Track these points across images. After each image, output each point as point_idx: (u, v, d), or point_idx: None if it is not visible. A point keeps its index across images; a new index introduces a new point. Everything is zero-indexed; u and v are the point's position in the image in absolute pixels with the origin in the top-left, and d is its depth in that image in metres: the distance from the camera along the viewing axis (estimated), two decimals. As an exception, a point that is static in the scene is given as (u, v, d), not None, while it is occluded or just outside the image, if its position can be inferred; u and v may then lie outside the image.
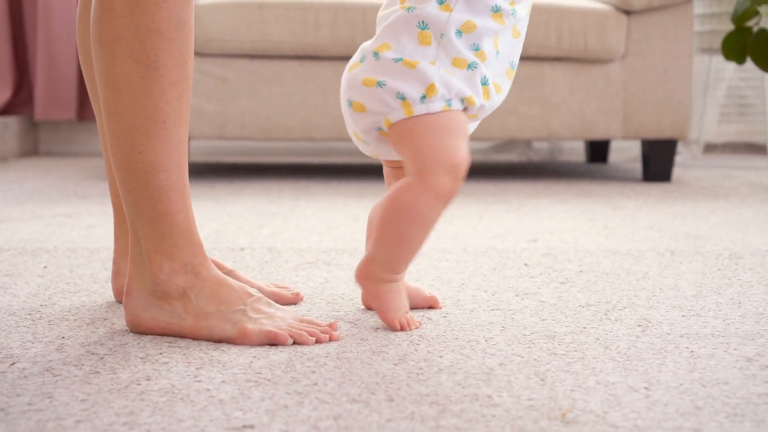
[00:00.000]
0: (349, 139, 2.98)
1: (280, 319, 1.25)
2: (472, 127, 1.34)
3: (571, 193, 2.79)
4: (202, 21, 2.89)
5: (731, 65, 3.91)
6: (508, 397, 1.03)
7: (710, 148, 4.09)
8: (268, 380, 1.08)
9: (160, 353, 1.19)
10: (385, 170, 1.40)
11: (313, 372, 1.11)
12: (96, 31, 1.23)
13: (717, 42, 3.38)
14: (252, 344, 1.22)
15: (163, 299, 1.25)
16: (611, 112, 3.03)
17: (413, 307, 1.41)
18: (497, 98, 1.30)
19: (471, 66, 1.26)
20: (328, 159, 3.84)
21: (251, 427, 0.94)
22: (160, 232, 1.25)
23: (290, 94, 2.95)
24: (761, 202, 2.58)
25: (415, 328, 1.30)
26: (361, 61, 1.28)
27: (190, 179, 3.02)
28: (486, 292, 1.53)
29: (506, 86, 1.31)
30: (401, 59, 1.25)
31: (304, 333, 1.23)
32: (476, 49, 1.26)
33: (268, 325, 1.23)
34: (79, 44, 1.44)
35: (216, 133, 2.95)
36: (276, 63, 2.95)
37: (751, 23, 3.23)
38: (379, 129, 1.28)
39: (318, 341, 1.23)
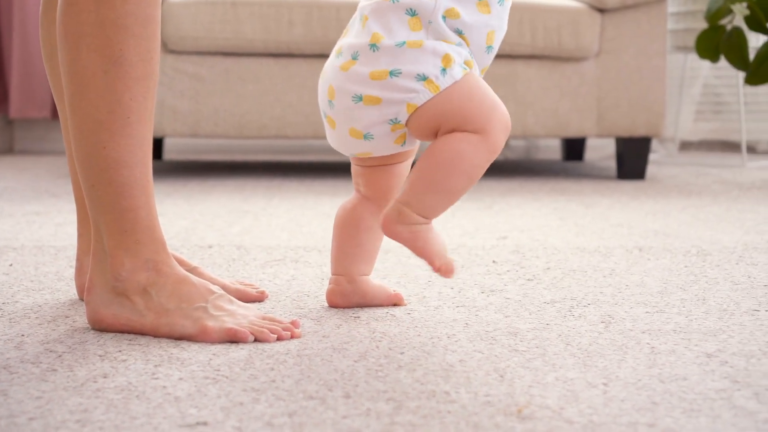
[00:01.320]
0: (324, 137, 2.98)
1: (242, 316, 1.24)
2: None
3: (544, 190, 2.79)
4: (176, 18, 2.88)
5: (707, 63, 3.92)
6: (465, 394, 1.03)
7: (686, 145, 4.10)
8: (226, 377, 1.08)
9: (120, 351, 1.18)
10: (354, 169, 1.38)
11: (272, 369, 1.11)
12: (61, 26, 1.22)
13: (692, 40, 3.39)
14: (213, 341, 1.21)
15: (124, 296, 1.25)
16: (585, 110, 3.03)
17: (377, 305, 1.41)
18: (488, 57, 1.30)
19: (458, 44, 1.26)
20: (302, 157, 3.83)
21: (205, 424, 0.93)
22: (122, 228, 1.25)
23: (264, 91, 2.94)
24: (733, 200, 2.59)
25: (451, 272, 1.26)
26: (354, 57, 1.26)
27: (163, 177, 3.01)
28: (452, 289, 1.53)
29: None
30: (404, 42, 1.24)
31: (266, 330, 1.22)
32: (459, 32, 1.26)
33: (229, 323, 1.22)
34: (42, 40, 1.43)
35: (190, 131, 2.94)
36: (250, 61, 2.94)
37: (724, 21, 3.24)
38: (393, 122, 1.26)
39: (279, 338, 1.23)
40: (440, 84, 1.23)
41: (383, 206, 1.37)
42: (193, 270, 1.45)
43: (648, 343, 1.22)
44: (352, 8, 2.91)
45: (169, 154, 3.85)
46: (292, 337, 1.24)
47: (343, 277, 1.38)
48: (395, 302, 1.42)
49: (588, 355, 1.17)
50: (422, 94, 1.23)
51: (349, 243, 1.38)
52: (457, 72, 1.24)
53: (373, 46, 1.24)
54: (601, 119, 3.05)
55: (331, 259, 1.40)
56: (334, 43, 2.92)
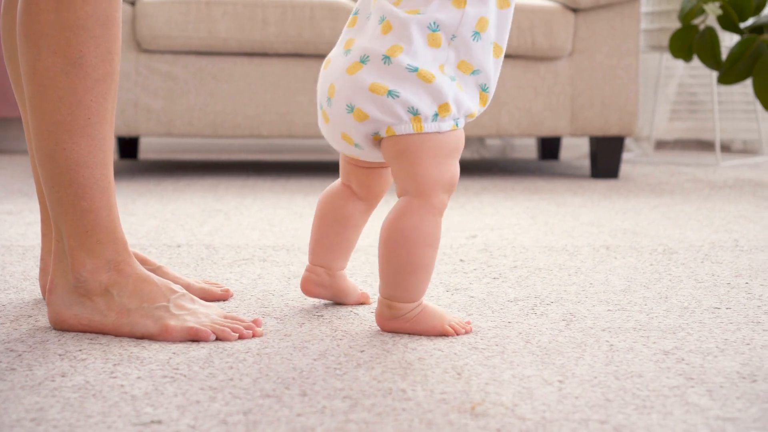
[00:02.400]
0: (298, 136, 2.98)
1: (203, 315, 1.25)
2: None
3: (518, 189, 2.80)
4: (150, 18, 2.88)
5: (682, 63, 3.94)
6: (421, 391, 1.04)
7: (661, 145, 4.12)
8: (184, 376, 1.08)
9: (80, 350, 1.18)
10: (346, 166, 1.36)
11: (231, 368, 1.11)
12: (21, 27, 1.22)
13: (666, 40, 3.41)
14: (174, 340, 1.22)
15: (86, 296, 1.25)
16: (559, 109, 3.04)
17: (346, 302, 1.41)
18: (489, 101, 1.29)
19: (475, 72, 1.24)
20: (276, 156, 3.83)
21: (159, 422, 0.94)
22: (82, 229, 1.25)
23: (238, 91, 2.94)
24: (704, 199, 2.60)
25: (470, 330, 1.27)
26: (363, 61, 1.23)
27: (137, 176, 3.01)
28: (417, 287, 1.53)
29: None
30: (417, 69, 1.20)
31: (227, 329, 1.23)
32: (490, 43, 1.24)
33: (191, 322, 1.23)
34: (3, 41, 1.43)
35: (164, 130, 2.94)
36: (224, 60, 2.94)
37: (697, 21, 3.25)
38: (375, 134, 1.24)
39: (241, 337, 1.23)
40: (425, 127, 1.22)
41: (374, 205, 1.38)
42: (156, 269, 1.45)
43: (607, 341, 1.23)
44: (327, 8, 2.92)
45: (145, 153, 3.84)
46: (253, 335, 1.24)
47: (323, 269, 1.38)
48: (362, 301, 1.42)
49: (546, 352, 1.18)
50: (405, 126, 1.22)
51: (335, 239, 1.38)
52: (446, 125, 1.22)
53: (387, 59, 1.21)
54: (574, 118, 3.06)
55: (310, 248, 1.39)
56: (308, 43, 2.92)
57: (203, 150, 3.98)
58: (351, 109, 1.23)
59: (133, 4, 2.91)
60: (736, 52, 3.17)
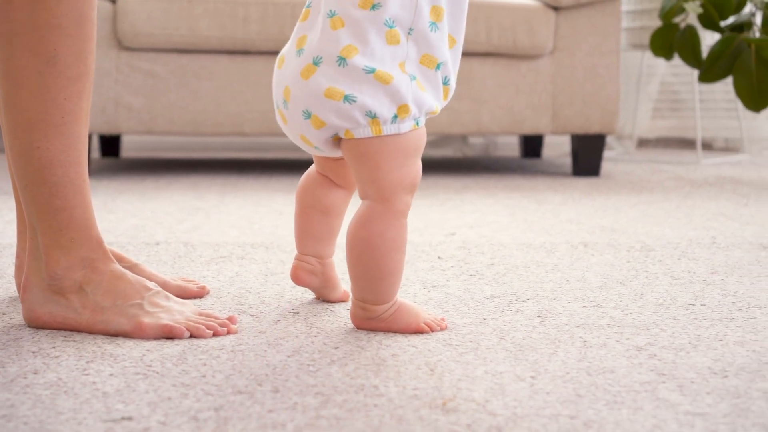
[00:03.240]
0: (280, 134, 2.98)
1: (178, 312, 1.25)
2: None
3: (499, 187, 2.81)
4: (131, 15, 2.87)
5: (663, 61, 3.95)
6: (394, 387, 1.04)
7: (643, 143, 4.13)
8: (157, 373, 1.08)
9: (53, 347, 1.18)
10: (317, 158, 1.35)
11: (204, 365, 1.11)
12: None
13: (648, 38, 3.42)
14: (148, 338, 1.22)
15: (60, 294, 1.25)
16: (540, 107, 3.05)
17: (329, 296, 1.41)
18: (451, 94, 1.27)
19: (438, 66, 1.21)
20: (258, 154, 3.83)
21: (129, 419, 0.94)
22: (56, 227, 1.25)
23: (220, 88, 2.94)
24: (684, 197, 2.61)
25: (445, 327, 1.27)
26: (316, 63, 1.19)
27: (119, 175, 3.00)
28: (394, 284, 1.54)
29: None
30: (374, 70, 1.17)
31: (202, 326, 1.23)
32: (456, 32, 1.22)
33: (165, 319, 1.23)
34: None
35: (144, 129, 2.93)
36: (205, 57, 2.94)
37: (678, 20, 3.27)
38: (334, 135, 1.22)
39: (216, 334, 1.23)
40: (384, 129, 1.19)
41: (352, 191, 1.37)
42: (133, 266, 1.45)
43: (581, 337, 1.24)
44: (308, 5, 2.91)
45: (127, 151, 3.84)
46: (228, 332, 1.24)
47: (315, 258, 1.38)
48: (344, 299, 1.42)
49: (520, 349, 1.19)
50: (363, 129, 1.19)
51: (321, 228, 1.37)
52: (406, 126, 1.20)
53: (342, 60, 1.18)
54: (556, 116, 3.07)
55: (297, 238, 1.38)
56: (285, 42, 2.92)
57: (185, 148, 3.98)
58: (308, 115, 1.21)
59: (113, 1, 2.90)
60: (717, 50, 3.19)
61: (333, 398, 1.00)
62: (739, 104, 3.64)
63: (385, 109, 1.18)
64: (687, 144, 4.12)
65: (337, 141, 1.23)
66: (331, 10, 1.20)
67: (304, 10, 1.25)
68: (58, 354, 1.15)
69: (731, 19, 3.27)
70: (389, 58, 1.19)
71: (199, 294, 1.45)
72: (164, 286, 1.44)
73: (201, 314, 1.26)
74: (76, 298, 1.24)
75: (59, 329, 1.25)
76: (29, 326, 1.27)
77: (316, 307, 1.39)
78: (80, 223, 1.25)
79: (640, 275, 1.61)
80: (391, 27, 1.19)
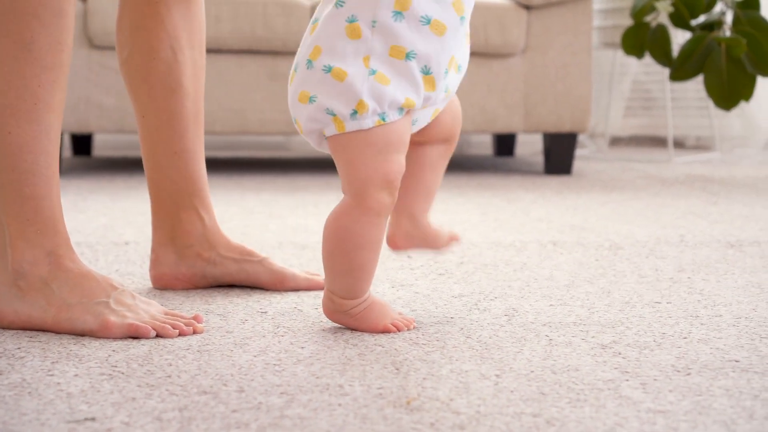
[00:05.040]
0: (252, 133, 2.98)
1: (143, 311, 1.25)
2: (435, 107, 1.24)
3: (471, 186, 2.81)
4: (102, 14, 2.86)
5: (635, 60, 3.97)
6: (359, 387, 1.04)
7: (616, 141, 4.15)
8: (122, 373, 1.08)
9: (18, 348, 1.18)
10: None
11: (170, 365, 1.11)
12: None
13: (619, 37, 3.44)
14: (114, 337, 1.21)
15: (26, 291, 1.24)
16: (513, 106, 3.06)
17: (438, 248, 1.35)
18: (454, 78, 1.22)
19: (409, 56, 1.18)
20: (229, 153, 3.82)
21: (93, 419, 0.94)
22: (23, 217, 1.25)
23: (191, 87, 2.93)
24: (654, 195, 2.63)
25: (413, 327, 1.26)
26: (295, 70, 1.21)
27: (90, 174, 2.99)
28: (363, 283, 1.54)
29: (466, 58, 1.24)
30: (330, 68, 1.17)
31: (168, 325, 1.23)
32: (427, 22, 1.18)
33: (131, 318, 1.23)
34: None
35: (116, 127, 2.93)
36: (177, 56, 2.93)
37: (649, 18, 3.28)
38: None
39: (181, 333, 1.23)
40: (346, 126, 1.19)
41: (452, 145, 1.31)
42: (262, 261, 1.49)
43: (547, 335, 1.24)
44: (279, 4, 2.91)
45: (100, 150, 3.82)
46: (194, 332, 1.24)
47: (404, 217, 1.31)
48: (454, 239, 1.36)
49: (486, 347, 1.19)
50: (330, 127, 1.20)
51: (411, 179, 1.28)
52: (368, 122, 1.18)
53: (309, 62, 1.19)
54: (528, 115, 3.08)
55: None
56: (261, 39, 2.92)
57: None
58: (295, 121, 1.24)
59: (84, 0, 2.89)
60: (687, 49, 3.21)
61: (298, 398, 1.00)
62: (711, 103, 3.66)
63: (342, 106, 1.18)
64: (659, 142, 4.14)
65: None
66: (315, 18, 1.22)
67: (311, 25, 1.23)
68: (23, 355, 1.15)
69: (702, 18, 3.30)
70: (351, 53, 1.18)
71: (322, 286, 1.48)
72: (294, 278, 1.48)
73: (167, 313, 1.26)
74: (41, 295, 1.24)
75: (24, 328, 1.25)
76: None
77: (283, 307, 1.39)
78: (47, 215, 1.26)
79: (608, 273, 1.62)
80: (351, 21, 1.18)
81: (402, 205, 1.30)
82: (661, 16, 3.29)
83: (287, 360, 1.14)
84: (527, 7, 3.05)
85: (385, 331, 1.25)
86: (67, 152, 3.64)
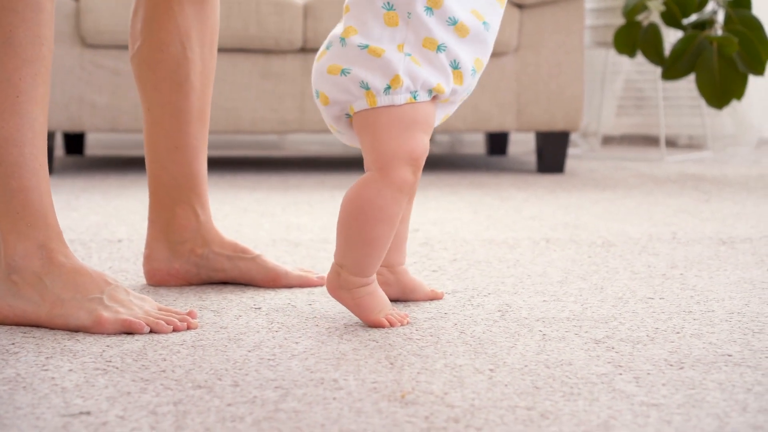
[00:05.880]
0: (245, 131, 2.98)
1: (137, 307, 1.25)
2: (449, 110, 1.30)
3: (463, 184, 2.82)
4: (94, 13, 2.86)
5: (628, 59, 3.98)
6: (353, 381, 1.04)
7: (608, 140, 4.16)
8: (117, 368, 1.08)
9: (12, 343, 1.18)
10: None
11: (164, 360, 1.11)
12: None
13: (611, 36, 3.45)
14: (108, 333, 1.22)
15: (20, 285, 1.25)
16: (505, 104, 3.07)
17: (415, 299, 1.39)
18: (472, 80, 1.27)
19: (440, 48, 1.23)
20: (223, 152, 3.82)
21: (88, 413, 0.94)
22: (13, 210, 1.25)
23: (184, 86, 2.93)
24: (646, 193, 2.63)
25: (407, 323, 1.27)
26: (327, 48, 1.25)
27: (83, 173, 2.99)
28: (357, 280, 1.54)
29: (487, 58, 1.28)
30: (367, 46, 1.22)
31: (161, 321, 1.23)
32: (453, 23, 1.23)
33: (124, 314, 1.23)
34: None
35: (109, 126, 2.92)
36: (169, 55, 2.93)
37: (641, 17, 3.29)
38: (348, 116, 1.26)
39: (175, 329, 1.23)
40: (378, 101, 1.22)
41: (413, 194, 1.33)
42: (256, 258, 1.48)
43: (540, 331, 1.25)
44: (272, 3, 2.91)
45: (92, 149, 3.82)
46: (188, 327, 1.24)
47: (385, 268, 1.37)
48: (433, 297, 1.41)
49: (480, 342, 1.20)
50: (360, 102, 1.23)
51: None
52: (400, 98, 1.22)
53: (342, 40, 1.23)
54: (520, 114, 3.08)
55: None
56: (253, 38, 2.92)
57: (151, 146, 3.96)
58: (317, 94, 1.26)
59: (77, -2, 2.89)
60: (679, 48, 3.22)
61: (292, 392, 1.01)
62: (703, 101, 3.67)
63: (377, 80, 1.22)
64: (651, 141, 4.15)
65: (351, 122, 1.26)
66: (345, 3, 1.26)
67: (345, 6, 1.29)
68: (18, 350, 1.15)
69: (693, 17, 3.31)
70: (387, 39, 1.23)
71: (319, 283, 1.49)
72: (286, 276, 1.48)
73: (161, 309, 1.27)
74: (35, 291, 1.24)
75: (18, 323, 1.25)
76: None
77: (277, 303, 1.39)
78: (37, 208, 1.26)
79: (601, 270, 1.62)
80: (389, 9, 1.23)
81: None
82: (653, 15, 3.29)
83: (281, 355, 1.14)
84: (520, 6, 3.06)
85: (378, 324, 1.26)
86: (60, 151, 3.64)
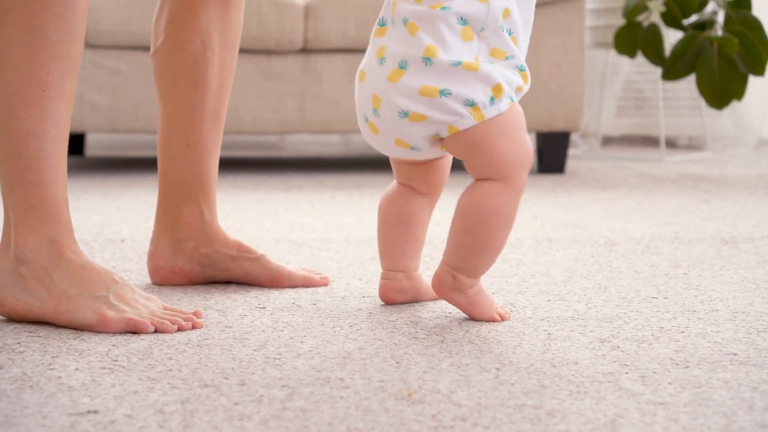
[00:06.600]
0: (245, 132, 2.98)
1: (143, 306, 1.25)
2: None
3: (465, 184, 2.81)
4: (95, 13, 2.86)
5: (628, 59, 3.98)
6: (360, 380, 1.04)
7: (608, 140, 4.16)
8: (123, 367, 1.08)
9: (18, 343, 1.18)
10: (401, 167, 1.36)
11: (170, 359, 1.12)
12: None
13: (611, 36, 3.45)
14: (112, 332, 1.22)
15: (28, 278, 1.25)
16: (505, 105, 3.07)
17: (428, 300, 1.40)
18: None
19: (508, 58, 1.25)
20: (223, 152, 3.82)
21: (95, 412, 0.94)
22: (27, 203, 1.26)
23: (185, 86, 2.93)
24: (646, 193, 2.64)
25: (509, 318, 1.30)
26: (403, 67, 1.24)
27: (83, 173, 2.99)
28: (360, 280, 1.55)
29: None
30: (460, 62, 1.22)
31: (166, 321, 1.23)
32: (510, 33, 1.25)
33: (129, 313, 1.23)
34: None
35: (109, 126, 2.92)
36: (170, 55, 2.93)
37: (641, 18, 3.30)
38: (435, 134, 1.25)
39: (180, 329, 1.23)
40: (486, 113, 1.23)
41: (436, 198, 1.40)
42: (259, 258, 1.48)
43: (545, 330, 1.25)
44: (273, 3, 2.91)
45: (92, 150, 3.82)
46: (193, 327, 1.24)
47: (402, 274, 1.38)
48: (438, 298, 1.40)
49: (485, 342, 1.20)
50: (466, 120, 1.23)
51: (406, 239, 1.37)
52: (504, 104, 1.24)
53: (427, 60, 1.23)
54: (521, 114, 3.08)
55: (382, 253, 1.38)
56: (254, 39, 2.92)
57: (150, 146, 3.96)
58: (405, 114, 1.24)
59: (77, -1, 2.89)
60: (679, 48, 3.22)
61: (299, 391, 1.01)
62: (703, 102, 3.68)
63: (480, 94, 1.23)
64: (651, 142, 4.15)
65: (437, 140, 1.26)
66: (404, 18, 1.25)
67: (377, 28, 1.29)
68: (23, 349, 1.15)
69: (694, 18, 3.31)
70: (466, 52, 1.23)
71: (322, 283, 1.49)
72: (289, 276, 1.48)
73: (166, 309, 1.27)
74: (42, 286, 1.25)
75: (24, 317, 1.25)
76: None
77: (282, 302, 1.39)
78: (51, 203, 1.26)
79: (604, 269, 1.63)
80: (464, 25, 1.23)
81: (398, 263, 1.37)
82: (653, 15, 3.30)
83: (287, 354, 1.14)
84: (520, 7, 3.06)
85: (492, 319, 1.28)
86: (60, 152, 3.63)
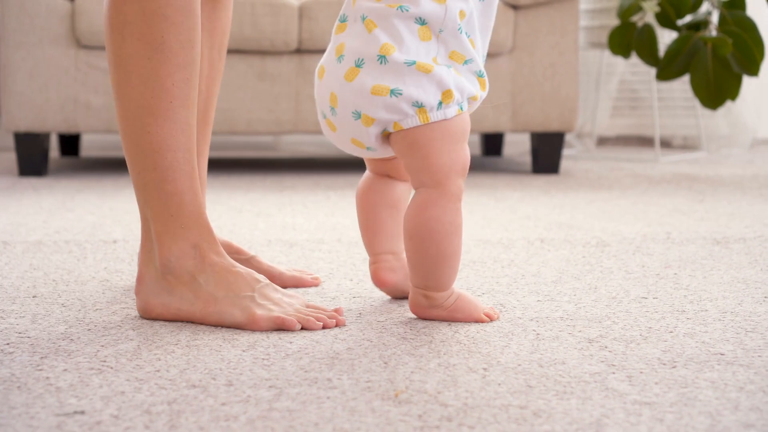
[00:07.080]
0: (240, 132, 2.98)
1: (288, 305, 1.27)
2: None
3: (458, 185, 2.81)
4: (88, 14, 2.86)
5: (622, 60, 3.99)
6: (347, 380, 1.05)
7: (603, 141, 4.16)
8: (111, 368, 1.08)
9: (7, 343, 1.18)
10: (370, 160, 1.37)
11: (159, 359, 1.12)
12: (107, 17, 1.27)
13: (606, 37, 3.45)
14: (261, 330, 1.24)
15: (174, 284, 1.27)
16: (500, 105, 3.07)
17: (406, 298, 1.40)
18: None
19: (467, 61, 1.26)
20: (218, 153, 3.82)
21: (82, 412, 0.94)
22: (167, 213, 1.28)
23: (179, 87, 2.93)
24: (640, 193, 2.64)
25: (497, 318, 1.30)
26: (359, 66, 1.24)
27: (78, 173, 2.99)
28: (351, 281, 1.55)
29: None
30: (414, 62, 1.23)
31: (312, 318, 1.25)
32: (468, 36, 1.26)
33: (277, 311, 1.25)
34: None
35: (104, 127, 2.92)
36: (165, 56, 2.93)
37: (635, 18, 3.30)
38: (383, 131, 1.26)
39: (325, 326, 1.26)
40: (431, 116, 1.24)
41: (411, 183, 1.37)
42: (250, 259, 1.49)
43: (534, 330, 1.25)
44: (267, 4, 2.92)
45: (87, 150, 3.82)
46: (336, 324, 1.26)
47: (392, 255, 1.38)
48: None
49: (474, 342, 1.20)
50: (411, 119, 1.24)
51: (394, 222, 1.38)
52: (451, 111, 1.24)
53: (382, 58, 1.23)
54: (515, 114, 3.09)
55: (368, 241, 1.38)
56: (249, 39, 2.92)
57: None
58: (358, 115, 1.25)
59: (71, 0, 2.89)
60: (674, 48, 3.22)
61: (286, 391, 1.01)
62: (697, 102, 3.68)
63: (430, 96, 1.23)
64: (646, 142, 4.16)
65: (386, 137, 1.27)
66: (363, 15, 1.25)
67: (338, 24, 1.29)
68: (12, 350, 1.15)
69: (688, 18, 3.31)
70: (423, 53, 1.24)
71: (313, 284, 1.50)
72: (280, 276, 1.49)
73: (309, 306, 1.29)
74: (188, 289, 1.27)
75: (172, 320, 1.28)
76: (143, 318, 1.29)
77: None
78: (190, 210, 1.28)
79: (595, 270, 1.63)
80: (422, 25, 1.24)
81: (386, 245, 1.38)
82: (648, 16, 3.30)
83: (276, 354, 1.14)
84: (514, 7, 3.06)
85: (480, 320, 1.28)
86: (55, 152, 3.64)
